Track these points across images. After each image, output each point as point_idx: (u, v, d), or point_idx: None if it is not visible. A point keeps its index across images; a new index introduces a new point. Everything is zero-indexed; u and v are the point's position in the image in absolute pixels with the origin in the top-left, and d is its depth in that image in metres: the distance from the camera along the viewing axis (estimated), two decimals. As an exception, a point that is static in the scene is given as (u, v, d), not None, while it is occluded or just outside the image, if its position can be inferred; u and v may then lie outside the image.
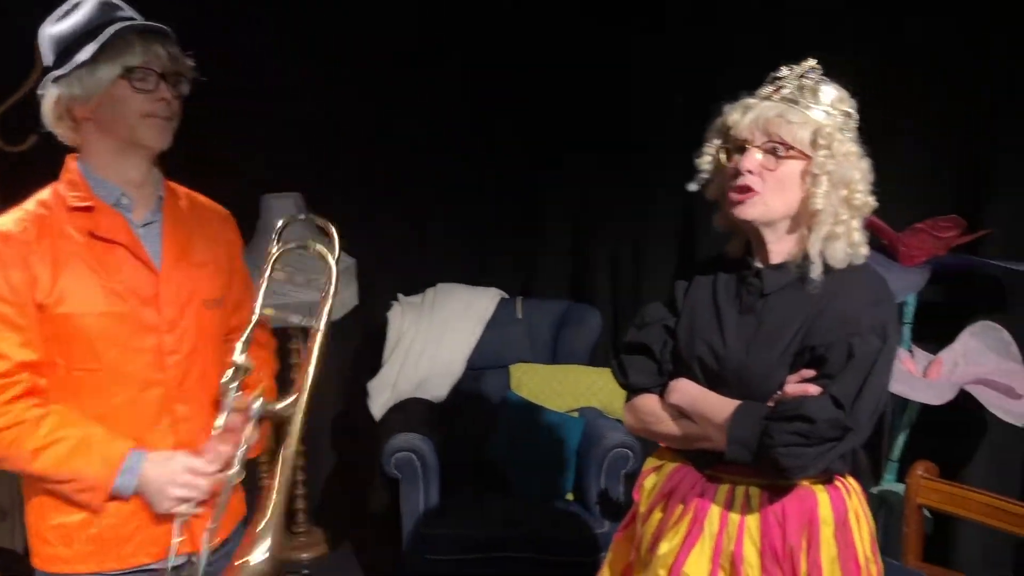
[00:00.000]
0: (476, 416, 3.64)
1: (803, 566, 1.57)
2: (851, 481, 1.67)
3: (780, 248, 1.61)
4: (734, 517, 1.61)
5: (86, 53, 1.50)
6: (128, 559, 1.61)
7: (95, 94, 1.52)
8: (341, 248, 1.73)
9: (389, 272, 3.98)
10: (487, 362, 3.75)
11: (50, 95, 1.55)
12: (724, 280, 1.68)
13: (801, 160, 1.55)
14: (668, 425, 1.67)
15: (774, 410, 1.51)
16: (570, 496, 3.32)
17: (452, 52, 3.90)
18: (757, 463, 1.52)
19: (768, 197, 1.57)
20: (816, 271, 1.56)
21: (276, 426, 1.67)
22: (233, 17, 3.58)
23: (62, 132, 1.59)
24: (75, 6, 1.55)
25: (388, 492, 3.58)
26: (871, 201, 1.59)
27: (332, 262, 1.67)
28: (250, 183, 3.64)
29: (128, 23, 1.53)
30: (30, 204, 1.59)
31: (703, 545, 1.62)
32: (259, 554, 1.47)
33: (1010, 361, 2.74)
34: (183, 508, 1.56)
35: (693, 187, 1.71)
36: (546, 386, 3.56)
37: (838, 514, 1.60)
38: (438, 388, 3.69)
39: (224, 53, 3.68)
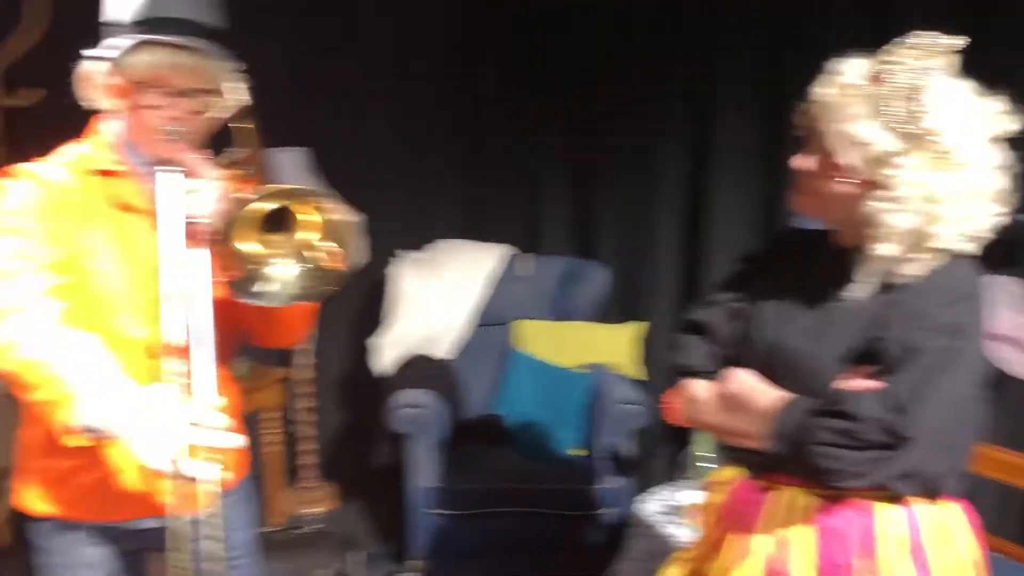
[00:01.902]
0: (482, 372, 3.63)
1: None
2: (951, 506, 1.47)
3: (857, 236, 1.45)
4: (787, 531, 1.47)
5: (108, 51, 1.46)
6: (109, 514, 1.61)
7: (113, 88, 1.49)
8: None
9: (387, 228, 3.95)
10: (493, 319, 3.71)
11: (89, 64, 1.51)
12: (798, 264, 1.54)
13: (852, 187, 1.37)
14: (714, 416, 1.52)
15: (821, 404, 1.35)
16: (577, 452, 3.31)
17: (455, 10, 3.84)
18: (796, 463, 1.39)
19: (820, 205, 1.45)
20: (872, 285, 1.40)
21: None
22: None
23: (90, 97, 1.54)
24: None
25: (394, 448, 3.59)
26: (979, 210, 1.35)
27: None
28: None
29: (147, 37, 1.44)
30: (66, 157, 1.56)
31: (754, 562, 1.50)
32: None
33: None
34: None
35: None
36: (552, 343, 3.53)
37: (906, 530, 1.42)
38: (444, 345, 3.66)
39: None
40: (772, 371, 1.47)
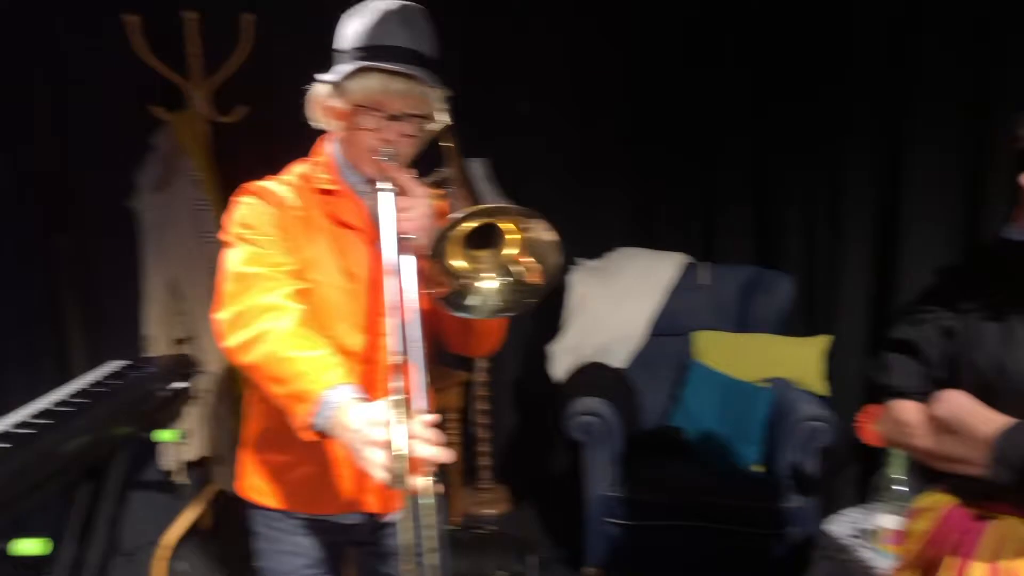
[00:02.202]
0: (658, 383, 3.60)
1: None
2: None
3: None
4: (1012, 563, 1.39)
5: (331, 75, 1.56)
6: (317, 508, 1.71)
7: (335, 110, 1.59)
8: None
9: (566, 235, 3.96)
10: (670, 328, 3.68)
11: (317, 87, 1.61)
12: (1017, 280, 1.46)
13: None
14: (925, 439, 1.45)
15: None
16: (758, 468, 3.23)
17: (633, 10, 3.82)
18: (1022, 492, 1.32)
19: None
20: None
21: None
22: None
23: (316, 118, 1.64)
24: (362, 11, 1.57)
25: (569, 454, 3.61)
26: None
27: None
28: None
29: (366, 64, 1.52)
30: (291, 175, 1.68)
31: None
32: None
33: None
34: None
35: None
36: (732, 354, 3.46)
37: None
38: (619, 353, 3.66)
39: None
40: (992, 394, 1.39)
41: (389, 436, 1.33)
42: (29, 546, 1.91)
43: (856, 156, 3.55)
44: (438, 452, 1.36)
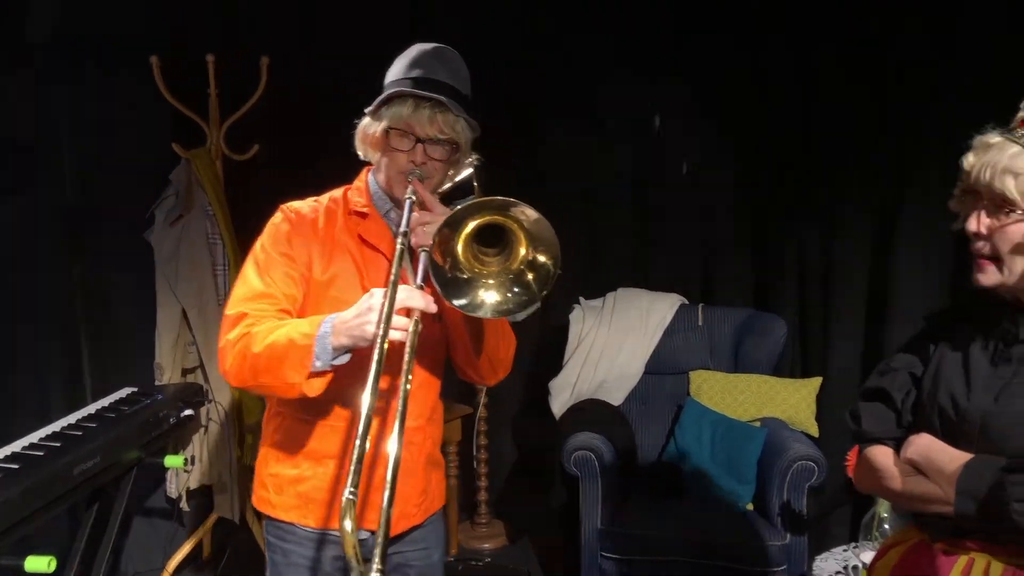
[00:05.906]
0: (654, 420, 3.66)
1: None
2: None
3: None
4: None
5: (371, 106, 1.73)
6: (323, 521, 1.78)
7: (373, 137, 1.74)
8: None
9: (570, 275, 4.05)
10: (666, 368, 3.75)
11: (363, 120, 1.77)
12: (979, 324, 1.51)
13: None
14: (896, 482, 1.50)
15: (1013, 461, 1.33)
16: (750, 506, 3.27)
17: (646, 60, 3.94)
18: (986, 521, 1.36)
19: (1007, 263, 1.40)
20: None
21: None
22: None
23: (360, 149, 1.80)
24: (406, 53, 1.75)
25: (566, 489, 3.66)
26: None
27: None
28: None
29: (403, 90, 1.68)
30: (324, 198, 1.83)
31: None
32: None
33: None
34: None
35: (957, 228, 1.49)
36: (726, 394, 3.53)
37: None
38: (616, 391, 3.73)
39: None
40: (957, 435, 1.44)
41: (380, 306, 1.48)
42: (36, 563, 1.97)
43: (852, 203, 3.63)
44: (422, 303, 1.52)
